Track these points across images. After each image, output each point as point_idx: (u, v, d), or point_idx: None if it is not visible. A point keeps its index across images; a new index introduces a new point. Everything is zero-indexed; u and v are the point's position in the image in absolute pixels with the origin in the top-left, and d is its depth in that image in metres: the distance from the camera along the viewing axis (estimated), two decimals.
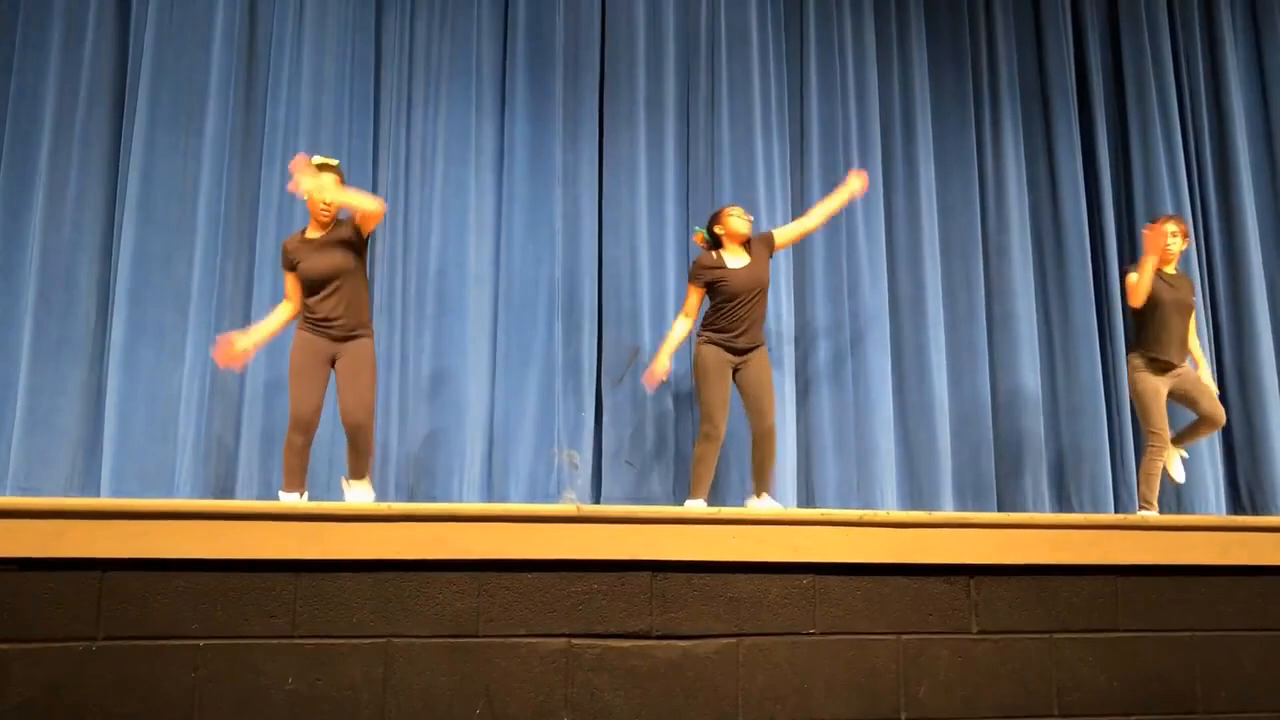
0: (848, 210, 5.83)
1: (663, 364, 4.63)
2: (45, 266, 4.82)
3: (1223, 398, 5.97)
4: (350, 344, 4.08)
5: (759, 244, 4.72)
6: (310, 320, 4.09)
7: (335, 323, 4.06)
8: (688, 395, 5.30)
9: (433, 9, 5.53)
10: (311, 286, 4.08)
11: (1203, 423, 4.84)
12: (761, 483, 4.60)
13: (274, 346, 4.90)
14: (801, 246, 5.79)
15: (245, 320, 5.01)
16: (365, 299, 4.16)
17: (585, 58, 5.66)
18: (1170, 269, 4.87)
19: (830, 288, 5.73)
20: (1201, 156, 6.36)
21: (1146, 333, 4.82)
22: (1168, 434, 4.77)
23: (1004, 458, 5.83)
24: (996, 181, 6.14)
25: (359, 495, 4.18)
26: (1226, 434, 5.95)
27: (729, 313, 4.57)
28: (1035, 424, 5.83)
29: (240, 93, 5.19)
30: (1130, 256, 6.19)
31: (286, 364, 4.15)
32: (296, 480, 4.06)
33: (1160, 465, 4.77)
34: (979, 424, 5.80)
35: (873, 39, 6.10)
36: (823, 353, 5.63)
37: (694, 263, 4.75)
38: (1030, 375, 5.88)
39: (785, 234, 4.82)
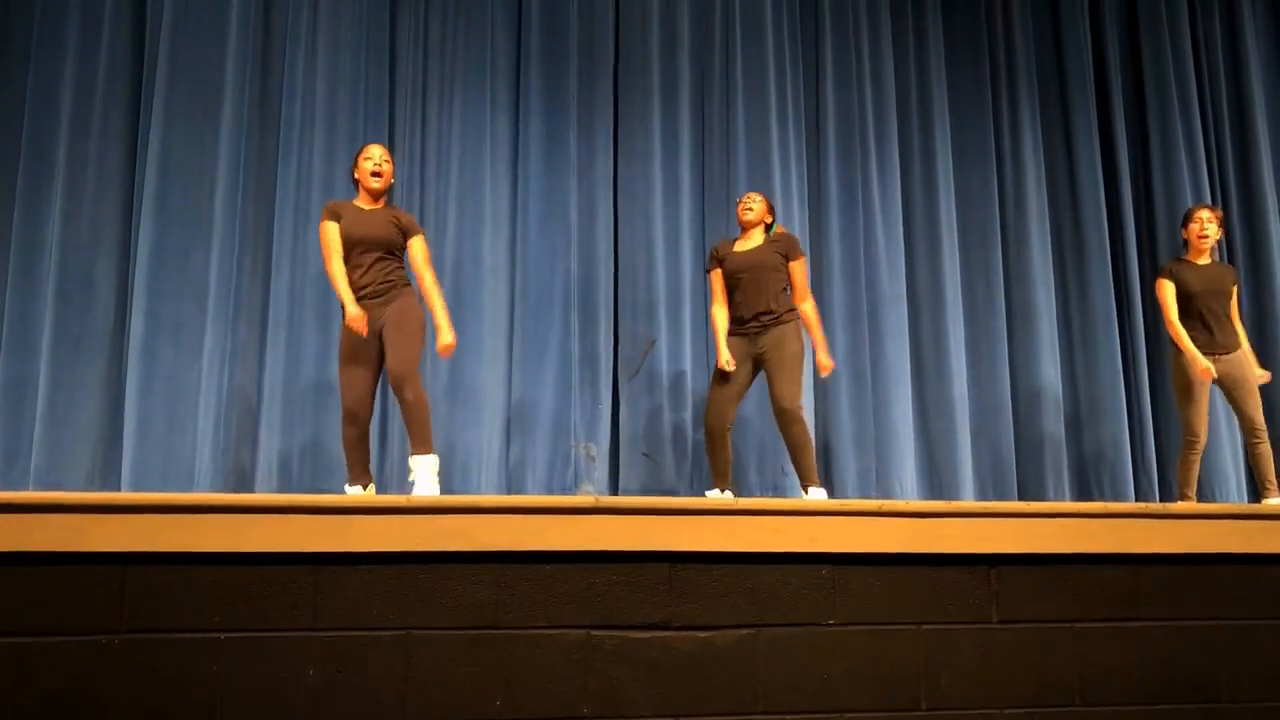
0: (865, 199, 5.82)
1: (725, 355, 4.46)
2: (64, 263, 4.85)
3: None
4: (393, 306, 3.99)
5: (776, 239, 4.61)
6: (350, 286, 4.02)
7: (370, 288, 3.99)
8: (704, 386, 5.30)
9: (446, 2, 5.53)
10: (349, 250, 4.01)
11: (1248, 438, 4.76)
12: (802, 475, 4.41)
13: (288, 343, 4.93)
14: (819, 236, 5.78)
15: (263, 314, 5.03)
16: (403, 267, 4.11)
17: (599, 49, 5.65)
18: (1205, 259, 4.83)
19: (848, 277, 5.71)
20: (1221, 144, 6.31)
21: (1186, 326, 4.78)
22: (1204, 433, 4.73)
23: (1024, 446, 5.81)
24: (1015, 170, 6.11)
25: (423, 480, 3.91)
26: None
27: (734, 296, 4.54)
28: (1055, 412, 5.80)
29: (256, 88, 5.20)
30: (1149, 246, 6.15)
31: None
32: (358, 472, 4.02)
33: (1195, 462, 4.76)
34: (998, 413, 5.78)
35: (889, 26, 6.08)
36: (841, 342, 5.61)
37: (711, 250, 4.77)
38: (1050, 364, 5.86)
39: (799, 280, 4.58)
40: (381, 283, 4.00)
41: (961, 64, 6.19)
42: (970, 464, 5.65)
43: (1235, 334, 4.81)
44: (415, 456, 3.95)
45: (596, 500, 2.85)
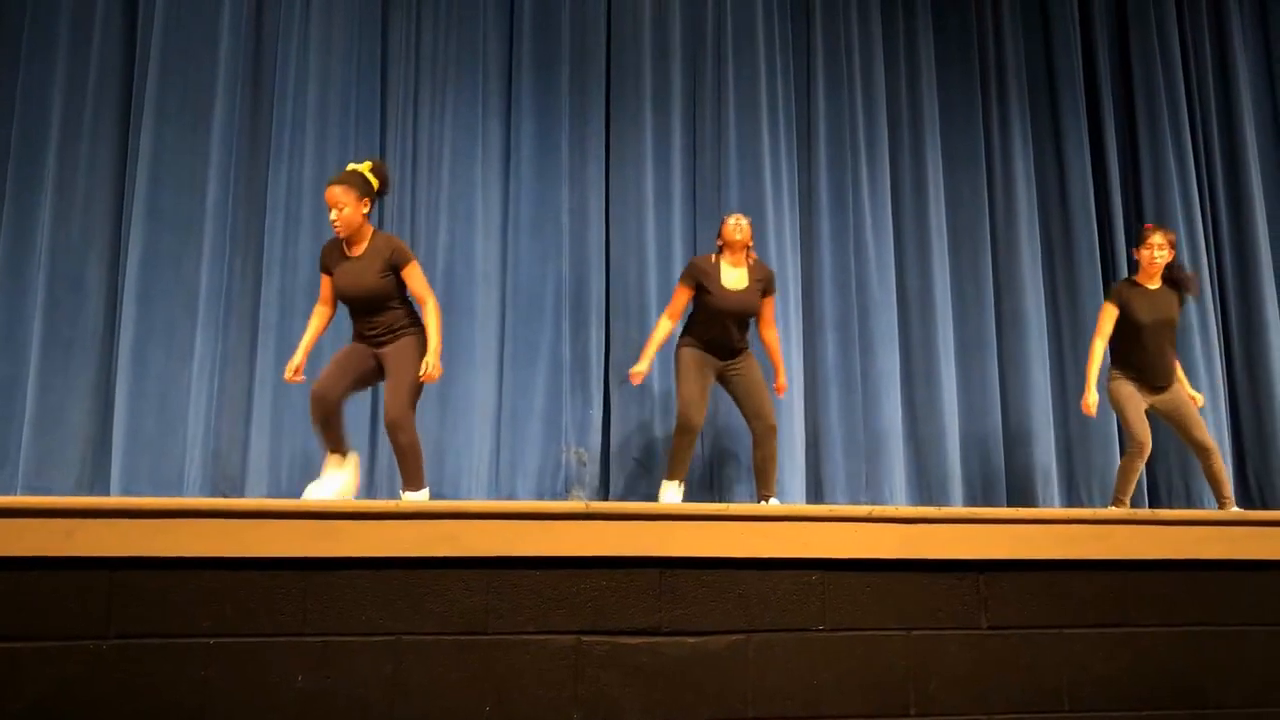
0: (855, 205, 5.83)
1: (643, 366, 4.57)
2: (54, 266, 4.84)
3: (1232, 392, 5.96)
4: (393, 345, 3.95)
5: (761, 275, 4.62)
6: (355, 331, 4.04)
7: (376, 336, 3.98)
8: None
9: (439, 7, 5.53)
10: (346, 302, 4.02)
11: (1201, 460, 4.69)
12: (765, 486, 4.53)
13: (278, 347, 4.92)
14: (809, 240, 5.79)
15: (253, 318, 5.02)
16: (404, 310, 4.00)
17: (591, 54, 5.65)
18: (1154, 284, 4.72)
19: (838, 282, 5.72)
20: (1210, 149, 6.34)
21: (1127, 354, 4.70)
22: (1148, 440, 4.61)
23: (1013, 452, 5.81)
24: (1004, 176, 6.13)
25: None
26: (1236, 429, 5.93)
27: (712, 327, 4.52)
28: (1044, 418, 5.81)
29: (247, 91, 5.19)
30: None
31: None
32: (330, 440, 3.97)
33: (1137, 468, 4.69)
34: (988, 418, 5.79)
35: (880, 33, 6.09)
36: (831, 347, 5.62)
37: (689, 263, 4.71)
38: (1039, 369, 5.87)
39: (770, 313, 4.70)
40: (386, 332, 3.97)
41: (952, 70, 6.20)
42: (959, 469, 5.66)
43: (1174, 368, 4.72)
44: (407, 493, 3.96)
45: (587, 505, 2.86)
